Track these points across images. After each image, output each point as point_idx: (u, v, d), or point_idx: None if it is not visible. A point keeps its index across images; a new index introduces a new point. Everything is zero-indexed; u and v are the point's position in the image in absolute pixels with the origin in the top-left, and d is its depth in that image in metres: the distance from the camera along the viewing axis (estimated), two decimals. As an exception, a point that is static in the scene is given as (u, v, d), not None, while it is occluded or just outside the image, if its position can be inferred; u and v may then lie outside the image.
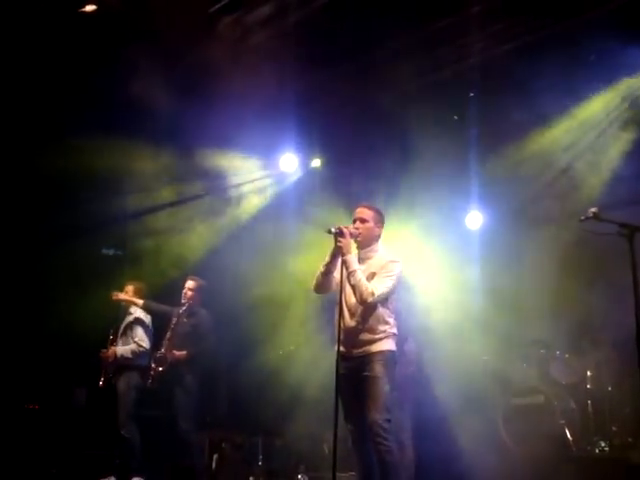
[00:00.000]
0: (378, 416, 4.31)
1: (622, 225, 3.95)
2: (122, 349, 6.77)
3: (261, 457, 7.39)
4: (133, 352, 6.74)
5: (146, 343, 6.83)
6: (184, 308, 6.73)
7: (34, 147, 7.36)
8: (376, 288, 4.38)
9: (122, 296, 6.93)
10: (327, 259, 4.55)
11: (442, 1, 6.51)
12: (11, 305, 7.56)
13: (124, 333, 6.90)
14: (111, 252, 8.95)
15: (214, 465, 7.39)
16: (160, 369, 6.59)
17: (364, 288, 4.35)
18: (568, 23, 6.49)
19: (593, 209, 4.07)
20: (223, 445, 7.54)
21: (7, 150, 7.38)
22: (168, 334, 6.72)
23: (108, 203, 7.93)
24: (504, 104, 7.18)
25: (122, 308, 7.07)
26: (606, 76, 6.78)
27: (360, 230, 4.57)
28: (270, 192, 8.83)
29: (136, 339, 6.80)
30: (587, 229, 4.43)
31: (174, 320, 6.74)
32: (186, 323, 6.76)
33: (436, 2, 6.50)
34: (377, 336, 4.45)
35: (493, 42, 6.76)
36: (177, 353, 6.64)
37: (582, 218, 4.12)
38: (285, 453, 7.82)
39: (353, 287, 4.40)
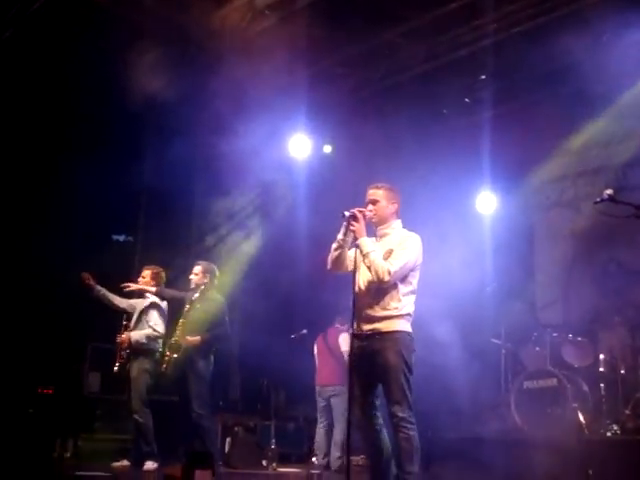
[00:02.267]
0: (397, 408, 4.26)
1: (638, 207, 3.89)
2: (137, 334, 6.70)
3: (274, 441, 7.40)
4: (148, 337, 6.69)
5: (161, 328, 6.78)
6: (196, 295, 6.71)
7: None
8: (392, 265, 4.34)
9: (134, 286, 6.88)
10: (340, 236, 4.54)
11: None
12: (26, 290, 7.57)
13: (139, 318, 6.82)
14: (122, 238, 8.92)
15: (227, 448, 7.43)
16: (175, 356, 6.57)
17: (379, 267, 4.32)
18: (580, 4, 6.44)
19: (608, 191, 4.01)
20: (236, 429, 7.58)
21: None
22: (181, 320, 6.68)
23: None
24: (517, 86, 7.14)
25: (135, 293, 7.04)
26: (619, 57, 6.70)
27: (373, 212, 4.57)
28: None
29: (151, 323, 6.75)
30: (602, 211, 4.38)
31: (187, 307, 6.73)
32: (199, 309, 6.73)
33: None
34: (389, 312, 4.37)
35: (507, 24, 6.71)
36: (190, 339, 6.62)
37: (597, 200, 4.04)
38: (298, 437, 7.84)
39: (369, 268, 4.38)
